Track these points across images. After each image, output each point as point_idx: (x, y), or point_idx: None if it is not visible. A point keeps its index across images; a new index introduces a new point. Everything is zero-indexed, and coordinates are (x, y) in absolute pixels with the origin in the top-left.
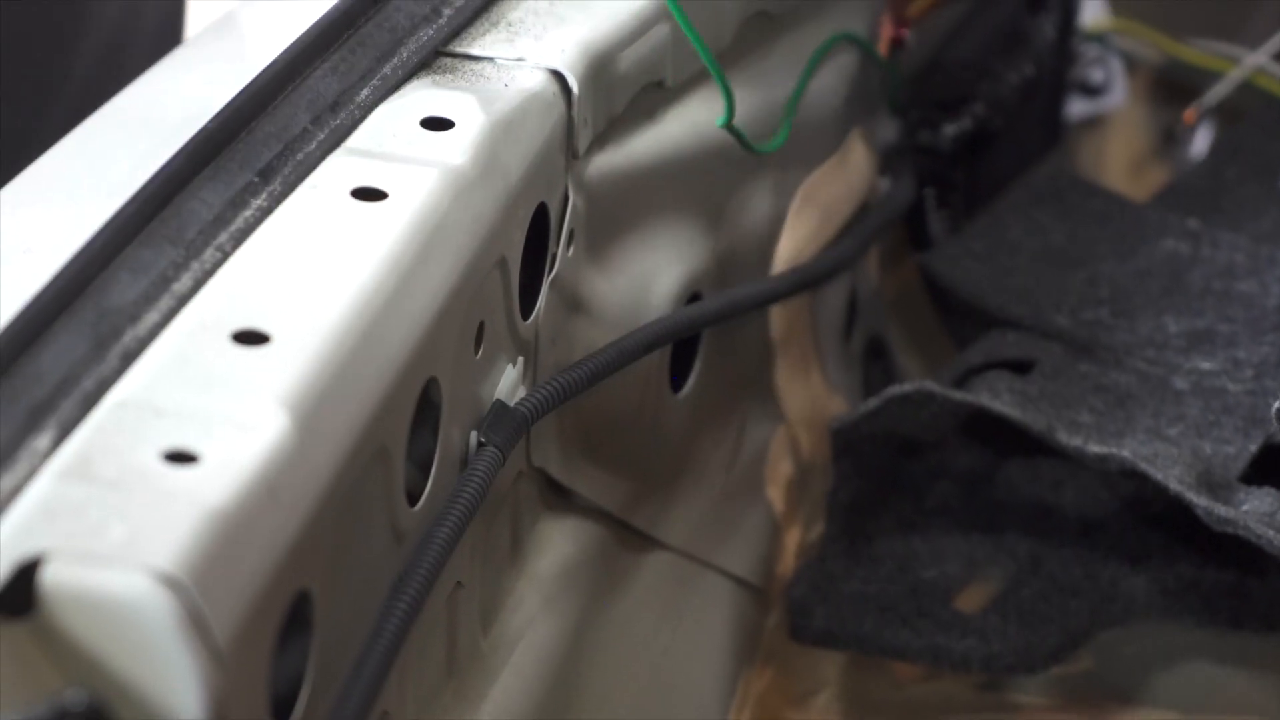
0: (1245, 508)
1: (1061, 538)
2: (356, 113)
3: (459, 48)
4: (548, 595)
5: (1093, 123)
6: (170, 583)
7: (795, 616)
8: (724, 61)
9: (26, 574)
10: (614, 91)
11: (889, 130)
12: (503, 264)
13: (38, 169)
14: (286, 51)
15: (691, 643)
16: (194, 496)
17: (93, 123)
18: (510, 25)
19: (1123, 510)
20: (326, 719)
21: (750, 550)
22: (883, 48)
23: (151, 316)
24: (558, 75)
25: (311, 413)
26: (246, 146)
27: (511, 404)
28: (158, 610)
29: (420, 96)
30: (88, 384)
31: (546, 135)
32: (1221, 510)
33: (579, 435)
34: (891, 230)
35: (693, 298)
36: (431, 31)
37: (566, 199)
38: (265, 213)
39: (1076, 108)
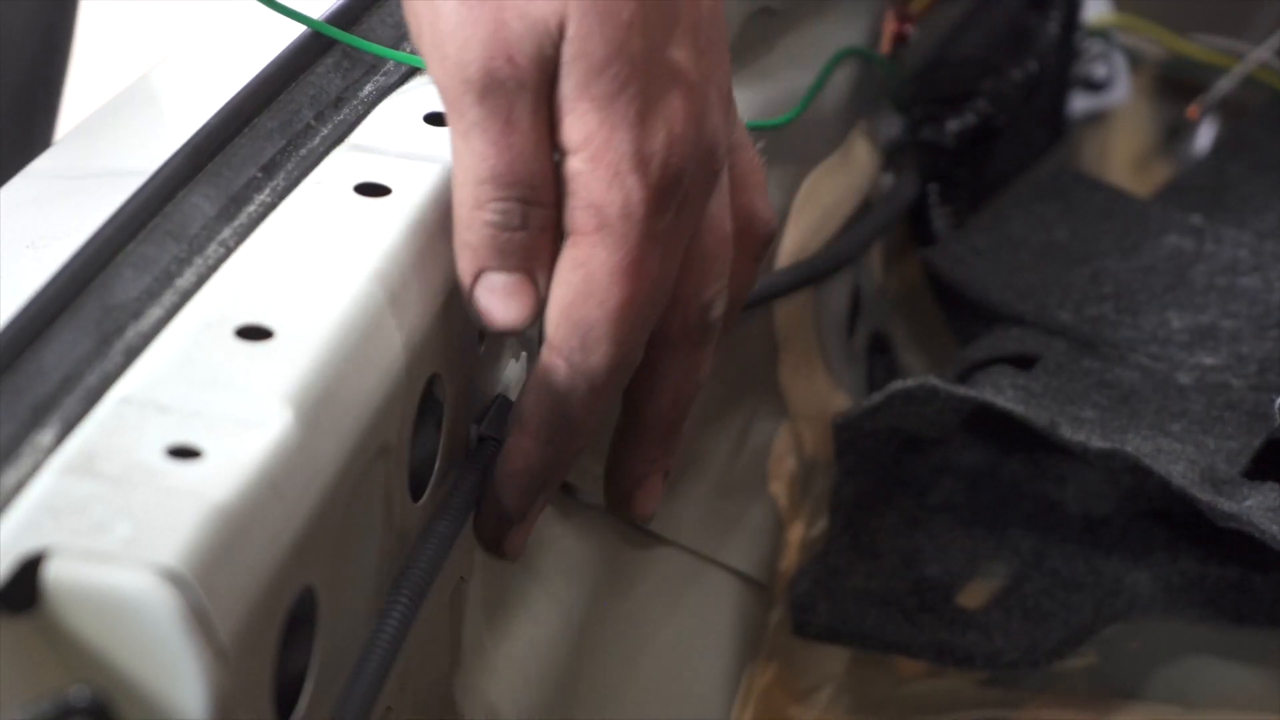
0: (1249, 503)
1: (1065, 533)
2: (360, 108)
3: None
4: (551, 591)
5: (1096, 119)
6: (174, 579)
7: (798, 612)
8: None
9: (29, 570)
10: None
11: (892, 126)
12: None
13: (40, 165)
14: (289, 46)
15: (695, 639)
16: (197, 493)
17: (95, 119)
18: None
19: (1126, 506)
20: (330, 715)
21: (753, 546)
22: (886, 44)
23: (155, 312)
24: None
25: (315, 408)
26: (249, 142)
27: (515, 399)
28: (161, 607)
29: (424, 92)
30: (91, 380)
31: None
32: (1225, 506)
33: None
34: (895, 226)
35: None
36: None
37: None
38: (268, 208)
39: (1079, 104)
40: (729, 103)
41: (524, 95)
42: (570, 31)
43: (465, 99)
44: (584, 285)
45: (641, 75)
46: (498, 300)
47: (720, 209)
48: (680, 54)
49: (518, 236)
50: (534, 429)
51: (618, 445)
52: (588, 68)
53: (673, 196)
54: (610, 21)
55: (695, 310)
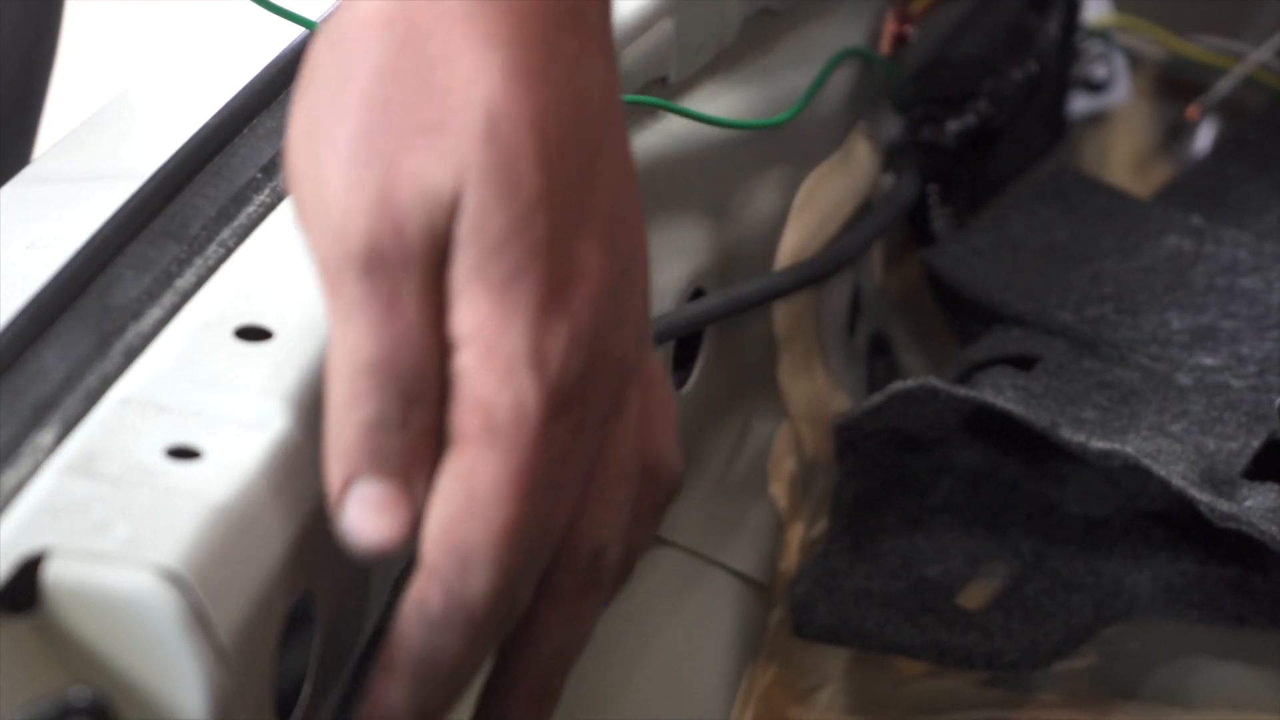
0: (1248, 504)
1: (1065, 534)
2: None
3: None
4: None
5: (1096, 119)
6: (173, 579)
7: (798, 613)
8: (729, 58)
9: (29, 570)
10: None
11: (892, 127)
12: None
13: (41, 166)
14: (288, 47)
15: (696, 639)
16: (197, 493)
17: (95, 120)
18: None
19: (1126, 507)
20: (330, 717)
21: (754, 547)
22: (886, 44)
23: (154, 313)
24: None
25: (315, 408)
26: (249, 142)
27: None
28: (161, 607)
29: None
30: (91, 380)
31: None
32: (1224, 506)
33: None
34: (895, 227)
35: (695, 294)
36: None
37: None
38: (268, 209)
39: (1080, 104)
40: (644, 323)
41: (411, 274)
42: (467, 204)
43: (346, 275)
44: (467, 500)
45: (544, 261)
46: (370, 515)
47: (624, 442)
48: (589, 250)
49: (396, 439)
50: (401, 667)
51: (486, 702)
52: (484, 247)
53: (572, 406)
54: (512, 197)
55: (586, 553)
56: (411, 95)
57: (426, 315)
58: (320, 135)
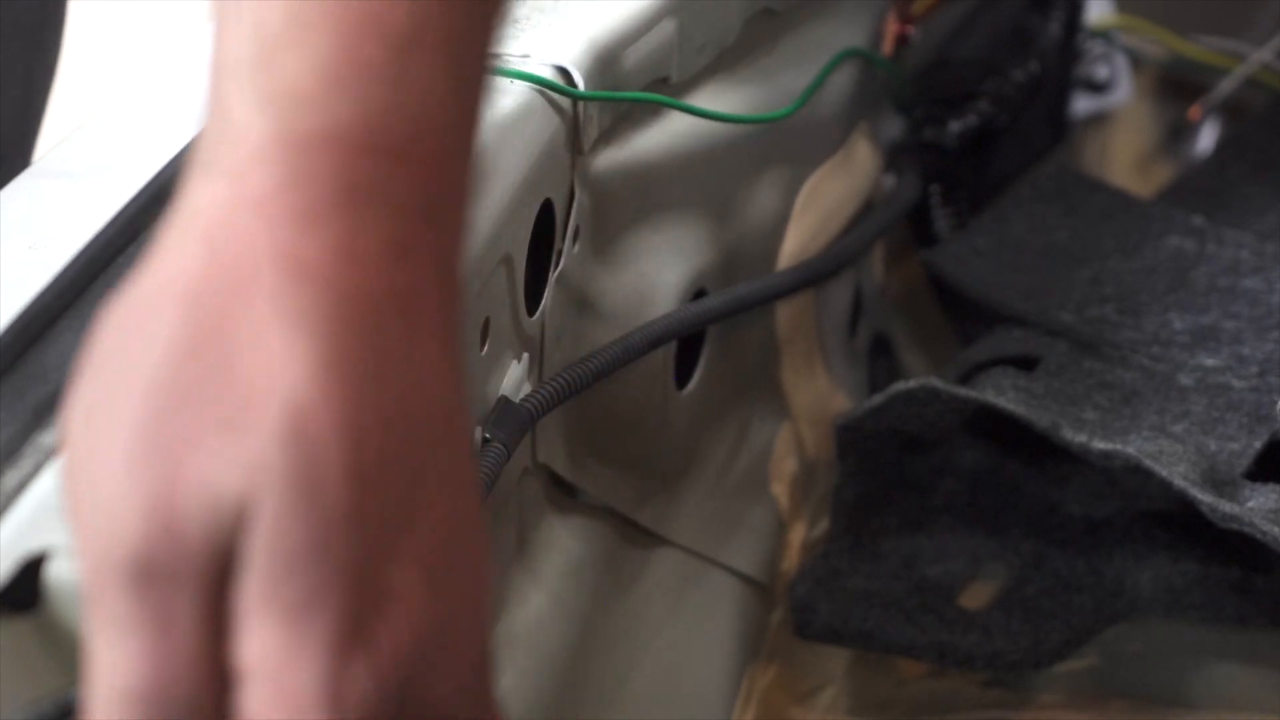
0: (1250, 504)
1: (1066, 534)
2: None
3: None
4: (554, 592)
5: (1098, 119)
6: None
7: (799, 613)
8: (730, 58)
9: (31, 570)
10: (620, 88)
11: (894, 127)
12: (508, 260)
13: (43, 165)
14: None
15: (697, 640)
16: None
17: (97, 120)
18: (515, 22)
19: (1127, 507)
20: None
21: (755, 547)
22: (888, 45)
23: None
24: (563, 71)
25: None
26: None
27: (516, 400)
28: None
29: None
30: None
31: (552, 132)
32: (1226, 507)
33: (584, 432)
34: (896, 227)
35: (698, 294)
36: None
37: (572, 195)
38: None
39: (1081, 104)
40: (480, 682)
41: (187, 590)
42: (260, 515)
43: (111, 585)
44: None
45: (347, 588)
46: None
47: None
48: (408, 579)
49: None
50: None
51: None
52: (276, 565)
53: None
54: (313, 510)
55: None
56: (205, 384)
57: (204, 639)
58: (100, 423)
